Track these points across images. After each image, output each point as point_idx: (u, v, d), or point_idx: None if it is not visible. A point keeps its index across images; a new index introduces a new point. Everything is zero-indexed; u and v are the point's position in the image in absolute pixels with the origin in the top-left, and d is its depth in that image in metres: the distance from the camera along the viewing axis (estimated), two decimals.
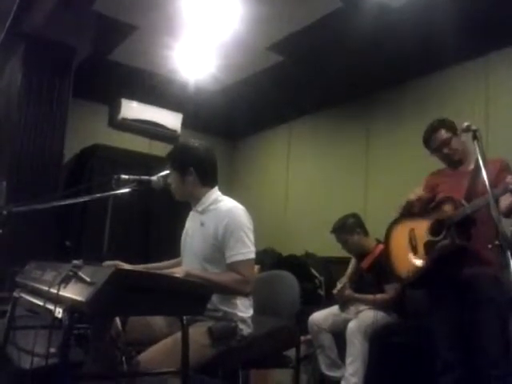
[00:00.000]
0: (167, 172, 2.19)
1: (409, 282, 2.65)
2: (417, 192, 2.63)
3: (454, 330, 2.45)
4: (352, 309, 3.27)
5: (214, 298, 2.01)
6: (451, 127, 2.56)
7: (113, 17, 3.70)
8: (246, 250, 2.01)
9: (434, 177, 2.75)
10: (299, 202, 5.42)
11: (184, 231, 2.32)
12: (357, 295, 3.25)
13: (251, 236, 2.07)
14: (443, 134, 2.58)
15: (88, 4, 3.49)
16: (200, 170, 2.16)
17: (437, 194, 2.63)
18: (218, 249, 2.05)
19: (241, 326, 2.05)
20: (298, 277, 2.58)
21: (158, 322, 2.04)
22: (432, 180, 2.73)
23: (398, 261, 2.66)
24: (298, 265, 4.46)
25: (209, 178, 2.19)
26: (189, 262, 2.17)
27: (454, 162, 2.61)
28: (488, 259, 2.31)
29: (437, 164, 2.82)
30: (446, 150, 2.59)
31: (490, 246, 2.09)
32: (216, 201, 2.15)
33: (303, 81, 4.63)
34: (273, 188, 5.86)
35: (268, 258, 4.78)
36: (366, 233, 3.47)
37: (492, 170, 2.19)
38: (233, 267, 2.00)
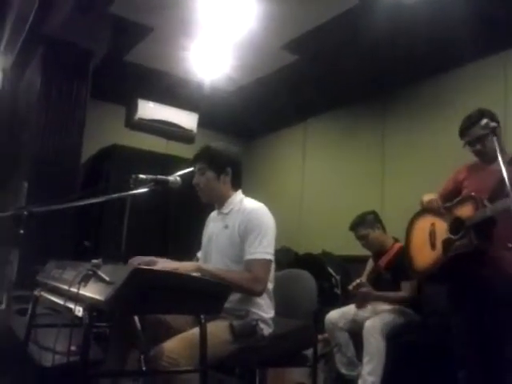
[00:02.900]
0: (185, 171, 2.21)
1: (421, 276, 2.67)
2: (432, 198, 2.61)
3: (471, 329, 2.42)
4: (369, 307, 3.26)
5: (238, 296, 2.03)
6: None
7: (129, 18, 3.73)
8: (262, 249, 2.01)
9: (464, 170, 2.68)
10: (315, 200, 5.40)
11: (206, 233, 2.32)
12: (375, 292, 3.23)
13: (272, 237, 2.07)
14: (480, 129, 2.46)
15: (105, 6, 3.53)
16: (236, 170, 2.22)
17: (463, 188, 2.59)
18: (241, 247, 2.06)
19: (262, 325, 2.05)
20: (314, 275, 2.58)
21: (177, 319, 2.05)
22: (461, 173, 2.68)
23: (416, 254, 2.68)
24: (314, 263, 4.45)
25: (239, 181, 2.25)
26: (215, 263, 2.17)
27: (486, 159, 2.53)
28: (506, 260, 2.27)
29: (456, 162, 2.79)
30: (478, 147, 2.51)
31: (510, 245, 2.08)
32: (241, 202, 2.18)
33: (318, 80, 4.61)
34: (288, 187, 5.85)
35: (284, 257, 4.78)
36: (384, 230, 3.46)
37: None
38: (247, 265, 2.01)
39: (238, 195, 2.22)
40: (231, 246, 2.10)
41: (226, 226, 2.15)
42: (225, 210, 2.19)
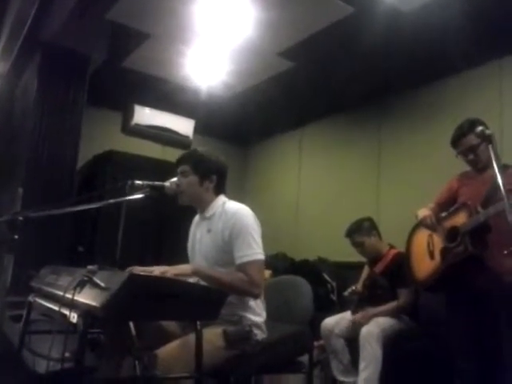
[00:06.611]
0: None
1: (424, 286, 2.71)
2: (426, 215, 2.64)
3: (468, 337, 2.43)
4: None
5: (230, 301, 2.02)
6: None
7: (126, 25, 3.74)
8: (252, 251, 2.01)
9: (458, 179, 2.73)
10: (311, 206, 5.40)
11: (190, 238, 2.33)
12: (372, 310, 3.16)
13: (258, 237, 2.07)
14: (472, 139, 2.49)
15: (102, 13, 3.53)
16: (221, 179, 2.22)
17: (458, 196, 2.63)
18: (226, 251, 2.06)
19: (255, 330, 2.05)
20: (310, 282, 2.58)
21: (172, 325, 2.04)
22: (456, 182, 2.72)
23: (417, 264, 2.73)
24: (310, 270, 4.45)
25: (223, 188, 2.25)
26: None
27: (479, 168, 2.57)
28: (503, 267, 2.28)
29: (451, 170, 2.81)
30: (471, 156, 2.54)
31: (505, 251, 2.09)
32: (223, 205, 2.17)
33: (314, 86, 4.63)
34: (285, 193, 5.85)
35: (280, 263, 4.77)
36: (379, 236, 3.47)
37: None
38: (241, 268, 2.01)
39: (221, 199, 2.22)
40: (215, 249, 2.11)
41: (209, 230, 2.15)
42: (207, 213, 2.19)
